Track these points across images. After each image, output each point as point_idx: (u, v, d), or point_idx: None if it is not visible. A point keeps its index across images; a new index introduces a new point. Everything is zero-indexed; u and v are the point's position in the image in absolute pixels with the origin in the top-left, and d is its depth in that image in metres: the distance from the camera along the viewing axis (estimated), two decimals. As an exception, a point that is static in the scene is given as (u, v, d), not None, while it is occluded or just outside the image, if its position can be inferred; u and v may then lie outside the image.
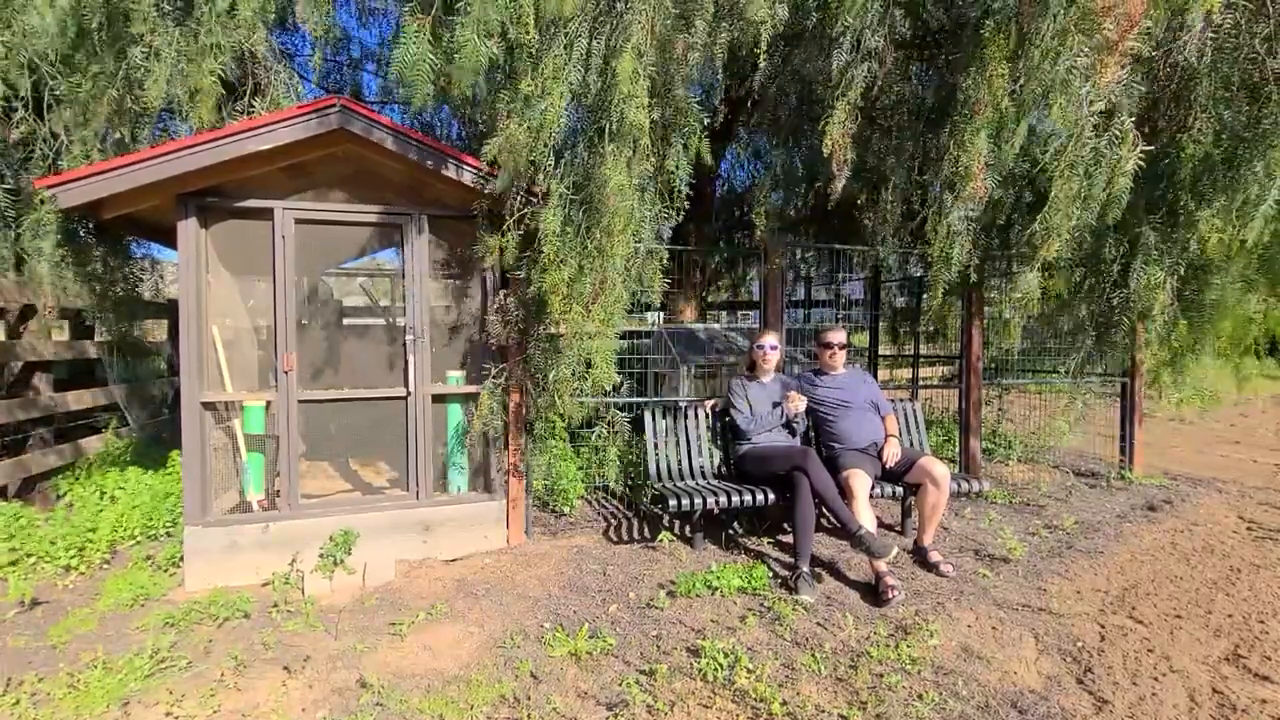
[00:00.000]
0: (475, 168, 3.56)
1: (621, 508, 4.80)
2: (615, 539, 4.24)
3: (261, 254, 3.58)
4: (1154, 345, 4.15)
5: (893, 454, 3.94)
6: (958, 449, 5.45)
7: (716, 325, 7.70)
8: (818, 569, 3.68)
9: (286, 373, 3.56)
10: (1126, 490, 5.40)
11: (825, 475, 3.62)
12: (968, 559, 3.90)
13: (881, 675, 2.60)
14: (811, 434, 4.31)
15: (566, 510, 4.60)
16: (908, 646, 2.80)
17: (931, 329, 6.66)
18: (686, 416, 4.42)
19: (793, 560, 3.65)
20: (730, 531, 4.27)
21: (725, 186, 8.58)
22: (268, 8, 3.82)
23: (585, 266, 3.26)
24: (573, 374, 3.48)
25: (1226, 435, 7.88)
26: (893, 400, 4.51)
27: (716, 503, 3.75)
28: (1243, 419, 8.93)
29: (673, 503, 3.73)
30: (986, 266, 4.20)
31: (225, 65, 3.78)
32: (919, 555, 3.85)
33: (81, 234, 3.96)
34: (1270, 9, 3.33)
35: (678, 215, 3.50)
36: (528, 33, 2.96)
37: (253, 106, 4.19)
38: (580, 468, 4.77)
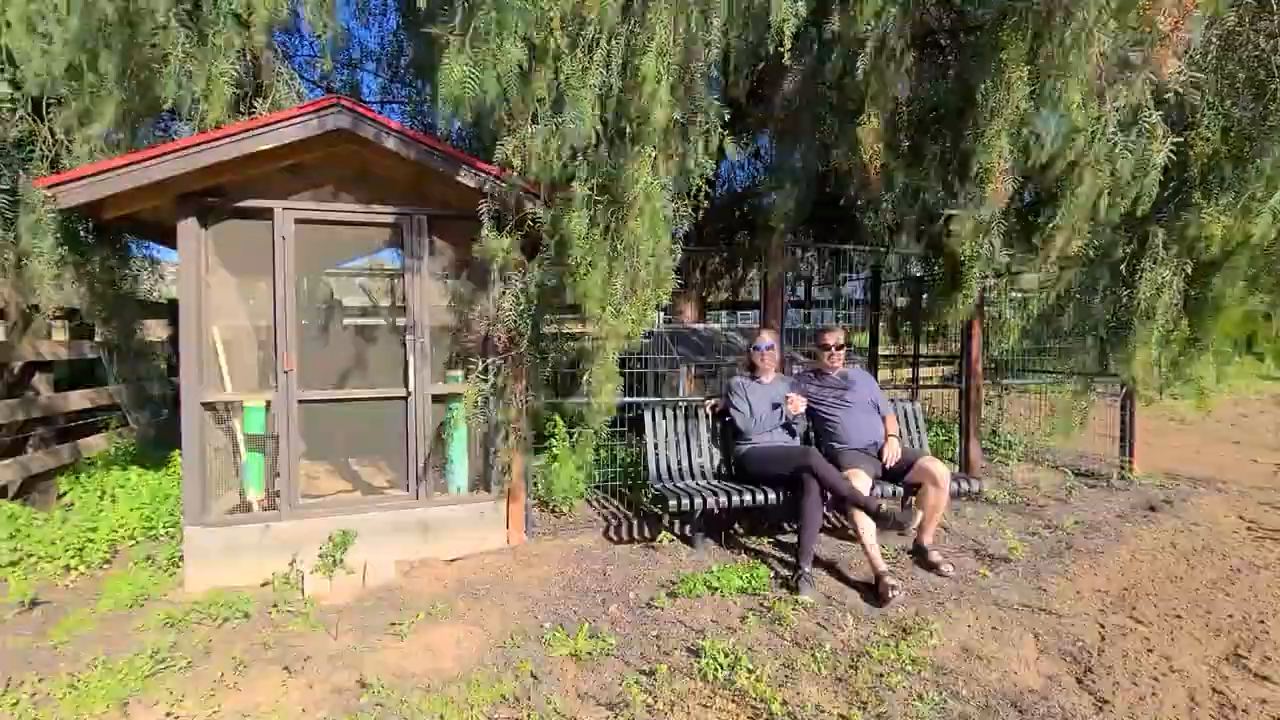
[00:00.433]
0: (486, 172, 3.56)
1: (621, 508, 4.80)
2: (615, 539, 4.24)
3: (261, 254, 3.58)
4: (1152, 345, 4.14)
5: (893, 454, 3.94)
6: (958, 449, 5.45)
7: (716, 325, 7.71)
8: (817, 569, 3.68)
9: (286, 373, 3.56)
10: (1126, 490, 5.40)
11: (830, 468, 3.64)
12: (968, 559, 3.90)
13: (882, 675, 2.60)
14: (811, 434, 4.31)
15: (566, 510, 4.60)
16: (908, 646, 2.80)
17: (932, 328, 6.66)
18: (687, 416, 4.42)
19: (794, 560, 3.65)
20: (731, 531, 4.28)
21: (725, 186, 8.57)
22: (279, 10, 3.81)
23: (615, 268, 3.25)
24: (606, 375, 3.48)
25: (1226, 435, 7.88)
26: (893, 400, 4.51)
27: (717, 503, 3.75)
28: (1243, 419, 8.93)
29: (673, 503, 3.73)
30: (1009, 264, 4.19)
31: (237, 67, 3.78)
32: (919, 555, 3.85)
33: (82, 234, 3.96)
34: (1274, 5, 3.33)
35: (697, 214, 3.49)
36: (551, 36, 2.95)
37: (254, 107, 4.19)
38: (579, 467, 4.76)
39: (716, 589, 3.37)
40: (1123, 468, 5.80)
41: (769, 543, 4.17)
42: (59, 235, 3.71)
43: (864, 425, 4.05)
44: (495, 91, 2.97)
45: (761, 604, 3.27)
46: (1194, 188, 3.79)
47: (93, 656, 2.73)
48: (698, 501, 3.72)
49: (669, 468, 4.26)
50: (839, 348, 4.21)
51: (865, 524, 3.56)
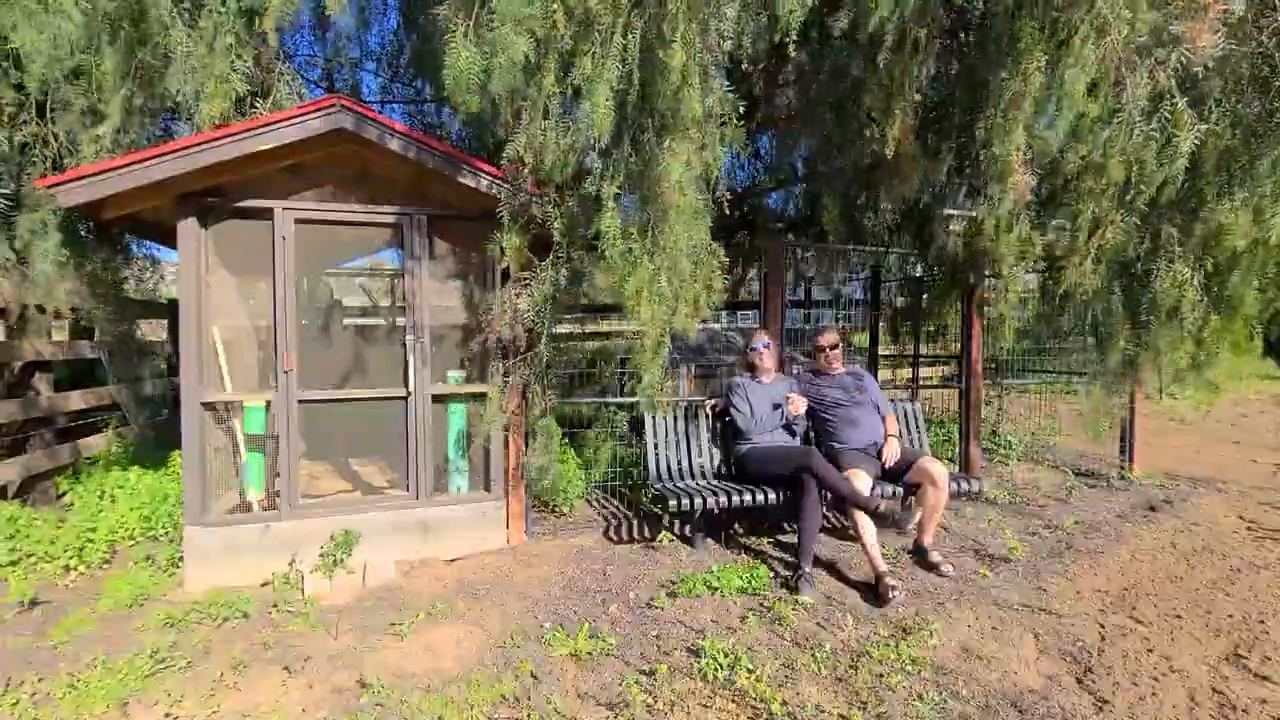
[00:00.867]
0: (486, 172, 3.55)
1: (621, 508, 4.80)
2: (615, 539, 4.24)
3: (261, 254, 3.58)
4: (1188, 344, 4.09)
5: (892, 454, 3.94)
6: (957, 449, 5.45)
7: (716, 325, 7.71)
8: (817, 569, 3.68)
9: (286, 372, 3.56)
10: (1127, 490, 5.40)
11: (831, 468, 3.64)
12: (968, 559, 3.90)
13: (882, 675, 2.60)
14: (811, 434, 4.31)
15: (567, 510, 4.60)
16: (908, 646, 2.80)
17: (932, 328, 6.66)
18: (687, 416, 4.42)
19: (794, 560, 3.65)
20: (731, 531, 4.28)
21: (725, 186, 8.57)
22: (287, 10, 3.82)
23: (660, 266, 3.21)
24: (664, 374, 3.44)
25: (1226, 435, 7.87)
26: (893, 400, 4.51)
27: (717, 503, 3.75)
28: (1243, 419, 8.93)
29: (673, 503, 3.73)
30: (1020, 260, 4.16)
31: (248, 66, 3.79)
32: (919, 555, 3.84)
33: (82, 234, 3.96)
34: (1277, 4, 3.32)
35: (720, 209, 3.47)
36: (556, 27, 2.90)
37: (254, 107, 4.19)
38: (579, 467, 4.76)
39: (716, 589, 3.37)
40: (1123, 468, 5.80)
41: (769, 543, 4.17)
42: (60, 235, 3.71)
43: (864, 425, 4.05)
44: (505, 82, 2.90)
45: (761, 604, 3.27)
46: (1206, 185, 3.77)
47: (92, 656, 2.73)
48: (698, 501, 3.72)
49: (669, 468, 4.26)
50: (834, 348, 4.21)
51: (865, 524, 3.56)
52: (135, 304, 4.61)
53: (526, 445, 4.02)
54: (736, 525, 4.37)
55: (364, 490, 4.69)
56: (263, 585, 3.47)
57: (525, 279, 3.61)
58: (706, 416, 4.43)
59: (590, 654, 2.77)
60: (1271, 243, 3.64)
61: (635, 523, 4.47)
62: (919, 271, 6.57)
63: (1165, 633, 2.99)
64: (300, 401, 3.65)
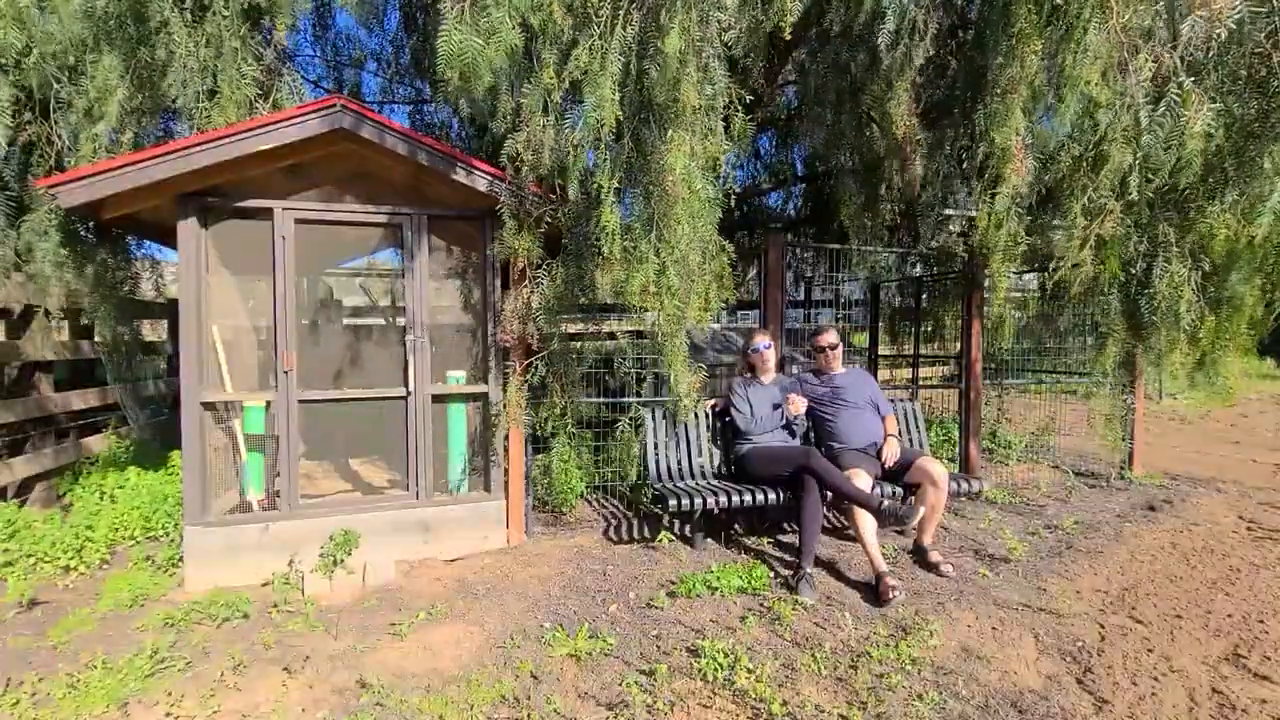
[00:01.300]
0: (486, 172, 3.55)
1: (621, 508, 4.80)
2: (615, 539, 4.24)
3: (261, 254, 3.58)
4: (1183, 344, 4.08)
5: (892, 453, 3.94)
6: (957, 449, 5.44)
7: (715, 325, 7.71)
8: (817, 569, 3.67)
9: (286, 372, 3.56)
10: (1126, 490, 5.40)
11: (831, 468, 3.64)
12: (968, 559, 3.89)
13: (881, 675, 2.60)
14: (811, 434, 4.31)
15: (566, 510, 4.60)
16: (908, 646, 2.79)
17: (931, 328, 6.66)
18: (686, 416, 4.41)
19: (794, 560, 3.65)
20: (730, 531, 4.28)
21: (730, 183, 8.58)
22: (295, 11, 3.82)
23: (666, 259, 3.17)
24: (690, 370, 3.40)
25: (1226, 435, 7.88)
26: (892, 400, 4.51)
27: (717, 503, 3.75)
28: (1243, 419, 8.93)
29: (673, 503, 3.73)
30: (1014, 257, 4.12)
31: (255, 71, 3.80)
32: (919, 555, 3.84)
33: (82, 234, 3.96)
34: (1274, 3, 3.31)
35: (729, 201, 3.43)
36: (552, 19, 2.88)
37: (255, 107, 4.19)
38: (579, 467, 4.76)
39: (716, 589, 3.37)
40: (1122, 468, 5.80)
41: (769, 543, 4.17)
42: (60, 235, 3.71)
43: (864, 425, 4.05)
44: (499, 64, 2.86)
45: (761, 604, 3.26)
46: (1201, 184, 3.76)
47: (92, 656, 2.73)
48: (698, 501, 3.72)
49: (669, 468, 4.26)
50: (833, 348, 4.20)
51: (866, 523, 3.56)
52: (135, 304, 4.61)
53: (527, 446, 4.03)
54: (736, 525, 4.37)
55: (364, 490, 4.69)
56: (263, 585, 3.47)
57: (536, 278, 3.60)
58: (706, 416, 4.43)
59: (590, 654, 2.77)
60: (1258, 240, 3.63)
61: (635, 523, 4.47)
62: (919, 271, 6.57)
63: (1165, 633, 2.99)
64: (300, 401, 3.65)
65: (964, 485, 4.02)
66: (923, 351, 7.00)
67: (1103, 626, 3.05)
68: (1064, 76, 3.16)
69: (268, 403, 3.64)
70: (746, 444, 4.14)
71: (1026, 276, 6.16)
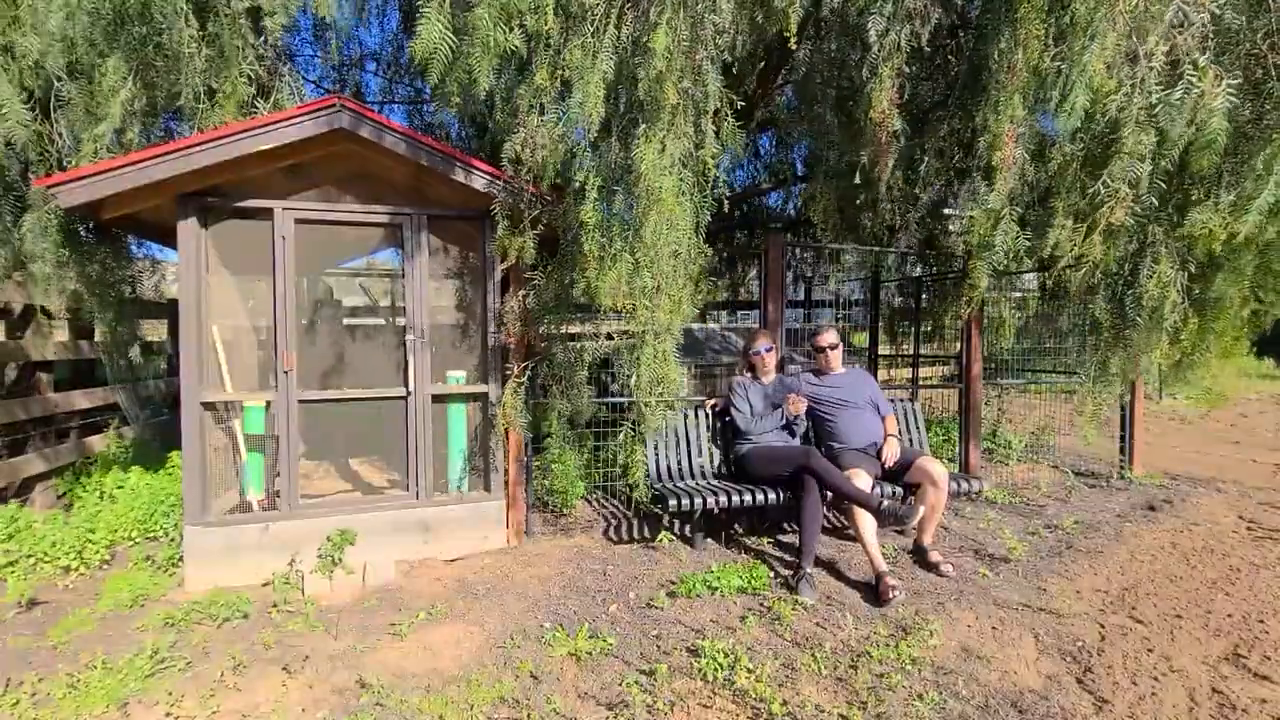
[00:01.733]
0: (485, 172, 3.55)
1: (621, 508, 4.80)
2: (615, 539, 4.24)
3: (261, 254, 3.58)
4: (1164, 344, 4.07)
5: (892, 453, 3.94)
6: (957, 449, 5.45)
7: (714, 325, 7.72)
8: (817, 569, 3.67)
9: (286, 372, 3.56)
10: (1126, 490, 5.40)
11: (831, 468, 3.64)
12: (968, 559, 3.89)
13: (882, 675, 2.60)
14: (811, 434, 4.31)
15: (566, 510, 4.59)
16: (908, 646, 2.79)
17: (931, 328, 6.66)
18: (686, 416, 4.42)
19: (794, 560, 3.65)
20: (731, 531, 4.28)
21: (724, 185, 8.58)
22: (289, 10, 3.82)
23: (640, 260, 3.15)
24: (659, 370, 3.37)
25: (1226, 435, 7.88)
26: (892, 400, 4.51)
27: (717, 503, 3.75)
28: (1243, 419, 8.93)
29: (673, 503, 3.73)
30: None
31: (255, 69, 3.80)
32: (919, 555, 3.84)
33: (82, 234, 3.96)
34: (1271, 3, 3.31)
35: (718, 205, 3.42)
36: (545, 20, 2.87)
37: (255, 107, 4.19)
38: (579, 468, 4.76)
39: (716, 589, 3.37)
40: (1122, 468, 5.80)
41: (769, 543, 4.17)
42: (60, 235, 3.71)
43: (864, 425, 4.05)
44: (484, 63, 2.83)
45: (761, 604, 3.26)
46: (1194, 185, 3.76)
47: (92, 656, 2.73)
48: (698, 501, 3.72)
49: (669, 468, 4.26)
50: (833, 348, 4.20)
51: (866, 523, 3.56)
52: (135, 304, 4.61)
53: (527, 446, 4.02)
54: (736, 525, 4.37)
55: (364, 490, 4.69)
56: (263, 585, 3.47)
57: (532, 279, 3.60)
58: (706, 416, 4.43)
59: (590, 654, 2.77)
60: (1240, 238, 3.62)
61: (635, 523, 4.47)
62: (918, 271, 6.58)
63: (1165, 633, 2.99)
64: (300, 401, 3.65)
65: (964, 485, 4.02)
66: (923, 351, 7.00)
67: (1103, 626, 3.05)
68: (1070, 63, 3.11)
69: (268, 403, 3.64)
70: (746, 444, 4.14)
71: (1027, 276, 6.16)
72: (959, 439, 5.43)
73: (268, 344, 3.76)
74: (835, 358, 4.22)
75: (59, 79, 3.75)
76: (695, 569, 3.65)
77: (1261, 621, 3.09)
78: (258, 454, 3.74)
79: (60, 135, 3.92)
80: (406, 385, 3.79)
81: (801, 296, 8.51)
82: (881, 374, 7.22)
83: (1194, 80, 3.06)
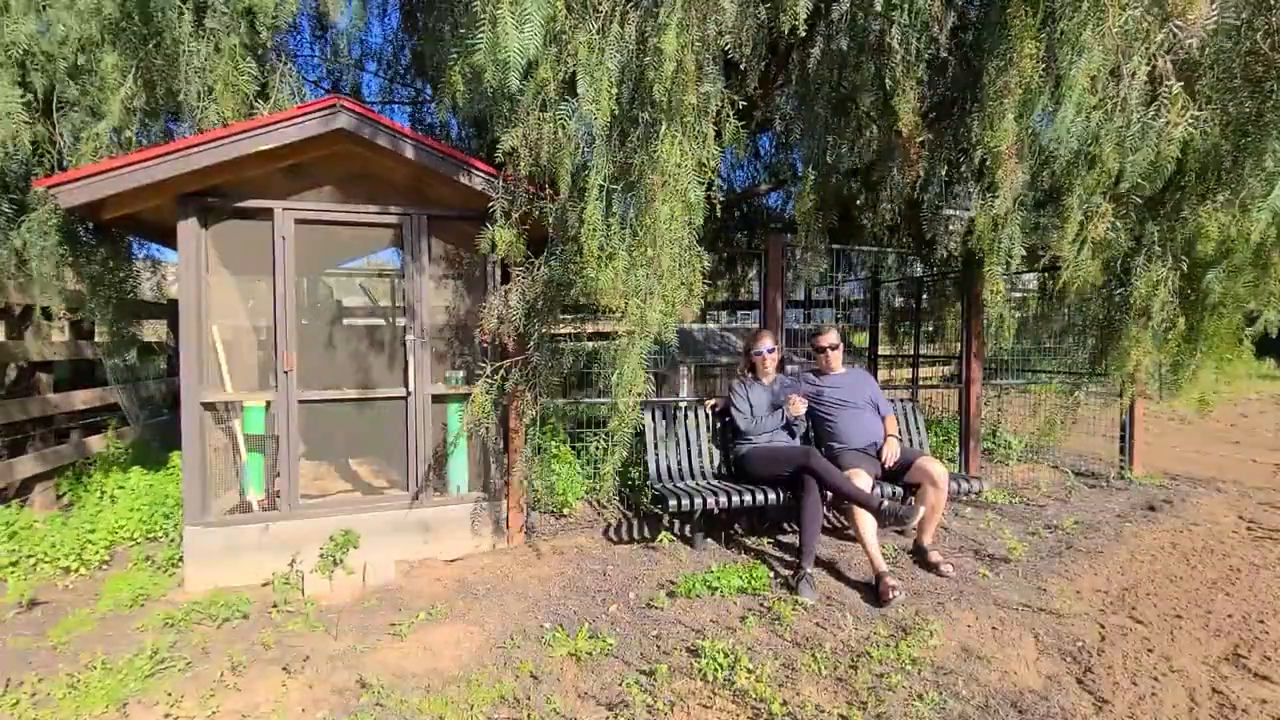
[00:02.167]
0: (485, 172, 3.54)
1: (621, 508, 4.80)
2: (615, 539, 4.24)
3: (261, 254, 3.58)
4: (1146, 344, 4.07)
5: (892, 453, 3.94)
6: (957, 449, 5.45)
7: (713, 325, 7.72)
8: (817, 569, 3.67)
9: (286, 372, 3.56)
10: (1126, 490, 5.40)
11: (832, 468, 3.64)
12: (968, 559, 3.89)
13: (882, 675, 2.60)
14: (811, 434, 4.31)
15: (566, 510, 4.60)
16: (908, 646, 2.79)
17: (931, 328, 6.67)
18: (686, 416, 4.42)
19: (794, 560, 3.65)
20: (731, 531, 4.28)
21: (724, 186, 8.58)
22: (288, 10, 3.83)
23: (636, 258, 3.14)
24: (633, 375, 3.35)
25: (1226, 435, 7.88)
26: (892, 400, 4.51)
27: (717, 503, 3.75)
28: (1243, 419, 8.93)
29: (673, 503, 3.73)
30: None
31: (253, 69, 3.80)
32: (919, 555, 3.84)
33: (82, 234, 3.96)
34: (1273, 2, 3.31)
35: (713, 207, 3.42)
36: (555, 18, 2.87)
37: (255, 107, 4.19)
38: (579, 468, 4.76)
39: (716, 589, 3.37)
40: (1122, 468, 5.80)
41: (769, 543, 4.17)
42: (59, 235, 3.71)
43: (864, 425, 4.05)
44: (537, 52, 2.81)
45: (761, 604, 3.26)
46: (1194, 183, 3.75)
47: (92, 657, 2.73)
48: (698, 502, 3.72)
49: (669, 468, 4.26)
50: (834, 348, 4.20)
51: (866, 523, 3.56)
52: (135, 304, 4.60)
53: (526, 446, 4.02)
54: (736, 525, 4.37)
55: (364, 490, 4.69)
56: (263, 585, 3.47)
57: (519, 276, 3.59)
58: (706, 416, 4.43)
59: (590, 654, 2.77)
60: (1252, 240, 3.62)
61: (635, 523, 4.47)
62: (919, 271, 6.58)
63: (1165, 633, 2.99)
64: (300, 401, 3.65)
65: (964, 485, 4.02)
66: (923, 351, 7.01)
67: (1103, 626, 3.05)
68: (1060, 79, 3.17)
69: (268, 403, 3.64)
70: (746, 444, 4.14)
71: (1026, 276, 6.16)
72: (959, 439, 5.43)
73: (268, 344, 3.76)
74: (836, 358, 4.22)
75: (59, 79, 3.75)
76: (695, 569, 3.65)
77: (1261, 621, 3.09)
78: (258, 454, 3.74)
79: (62, 135, 3.92)
80: (406, 385, 3.79)
81: (801, 296, 8.51)
82: (881, 374, 7.23)
83: (1166, 102, 3.17)
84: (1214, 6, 3.04)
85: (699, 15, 2.98)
